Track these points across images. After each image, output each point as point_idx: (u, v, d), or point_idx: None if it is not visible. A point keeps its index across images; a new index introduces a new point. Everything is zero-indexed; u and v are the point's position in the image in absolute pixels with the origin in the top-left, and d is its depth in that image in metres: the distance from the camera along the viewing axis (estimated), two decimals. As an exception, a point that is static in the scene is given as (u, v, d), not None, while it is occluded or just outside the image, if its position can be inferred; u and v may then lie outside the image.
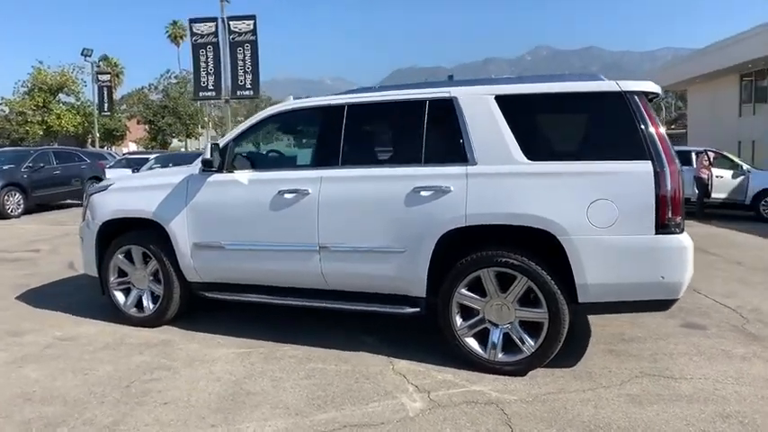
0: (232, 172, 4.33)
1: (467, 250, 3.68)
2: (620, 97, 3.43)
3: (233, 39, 18.22)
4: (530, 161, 3.53)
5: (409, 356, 3.96)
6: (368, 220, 3.87)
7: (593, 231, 3.35)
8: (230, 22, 18.09)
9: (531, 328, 3.62)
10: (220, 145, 4.32)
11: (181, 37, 62.35)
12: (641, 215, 3.30)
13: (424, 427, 3.00)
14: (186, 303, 4.73)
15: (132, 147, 44.87)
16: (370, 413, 3.15)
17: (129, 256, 4.76)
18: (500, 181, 3.56)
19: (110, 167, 17.85)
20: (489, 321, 3.69)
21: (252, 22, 18.11)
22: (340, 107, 4.10)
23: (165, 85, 38.59)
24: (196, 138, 43.79)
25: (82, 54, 30.24)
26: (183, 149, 32.68)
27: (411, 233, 3.75)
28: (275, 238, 4.15)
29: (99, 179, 15.95)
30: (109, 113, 32.05)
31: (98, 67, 34.52)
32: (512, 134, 3.59)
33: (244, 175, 4.29)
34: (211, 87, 18.53)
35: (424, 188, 3.70)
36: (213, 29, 18.22)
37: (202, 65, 18.42)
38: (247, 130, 4.45)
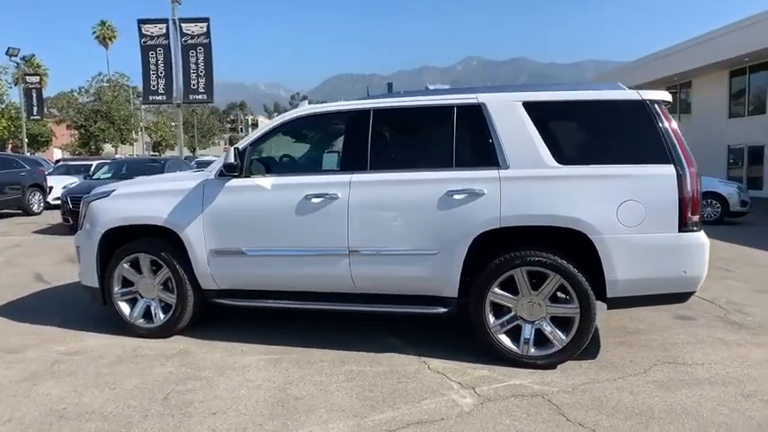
0: (249, 177, 4.28)
1: (498, 251, 3.83)
2: (642, 105, 3.70)
3: (185, 41, 17.64)
4: (559, 165, 3.73)
5: (439, 355, 4.05)
6: (400, 223, 3.95)
7: (623, 230, 3.59)
8: (182, 25, 17.49)
9: (561, 323, 3.81)
10: (239, 149, 4.25)
11: (110, 38, 59.55)
12: (666, 215, 3.57)
13: (483, 420, 3.11)
14: (199, 312, 4.60)
15: (58, 153, 42.16)
16: (426, 411, 3.22)
17: (135, 264, 4.57)
18: (533, 184, 3.74)
19: (49, 174, 16.82)
20: (521, 318, 3.85)
21: (205, 24, 17.60)
22: (366, 111, 4.16)
23: (96, 88, 36.60)
24: (130, 143, 41.84)
25: (7, 54, 28.15)
26: (117, 156, 31.01)
27: (445, 235, 3.85)
28: (301, 243, 4.14)
29: (41, 187, 14.99)
30: (38, 117, 30.00)
31: (19, 67, 32.26)
32: (541, 139, 3.79)
33: (266, 180, 4.24)
34: (162, 91, 17.82)
35: (458, 191, 3.83)
36: (164, 30, 17.55)
37: (152, 67, 17.67)
38: (267, 133, 4.41)
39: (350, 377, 3.72)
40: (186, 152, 53.24)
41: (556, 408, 3.24)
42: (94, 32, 59.46)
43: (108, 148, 39.41)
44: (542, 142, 3.78)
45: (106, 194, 4.66)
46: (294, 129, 4.58)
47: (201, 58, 17.69)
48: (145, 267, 4.54)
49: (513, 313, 3.86)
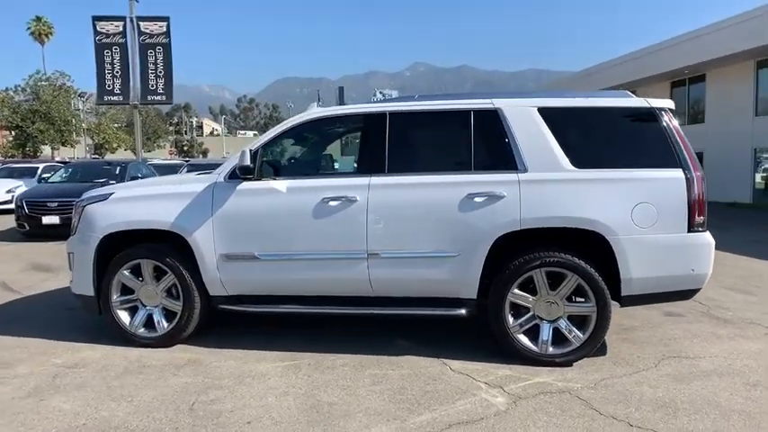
0: (263, 179, 4.19)
1: (517, 252, 3.92)
2: (652, 112, 3.90)
3: (143, 40, 16.94)
4: (576, 168, 3.87)
5: (457, 356, 4.09)
6: (420, 226, 3.97)
7: (637, 231, 3.76)
8: (140, 23, 16.78)
9: (577, 321, 3.94)
10: (252, 151, 4.15)
11: (46, 35, 56.54)
12: (676, 216, 3.77)
13: (522, 417, 3.17)
14: (205, 319, 4.45)
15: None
16: (463, 411, 3.25)
17: (136, 271, 4.38)
18: (551, 187, 3.85)
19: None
20: (539, 317, 3.95)
21: (165, 23, 16.97)
22: (382, 115, 4.16)
23: (33, 87, 34.54)
24: (72, 145, 39.75)
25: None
26: (59, 159, 29.28)
27: (465, 237, 3.90)
28: (317, 247, 4.09)
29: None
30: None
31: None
32: (557, 143, 3.91)
33: (281, 183, 4.16)
34: (118, 91, 17.03)
35: (478, 194, 3.89)
36: (120, 28, 16.78)
37: (107, 66, 16.85)
38: (278, 136, 4.33)
39: (376, 381, 3.70)
40: (130, 155, 51.20)
41: (586, 403, 3.34)
42: (29, 28, 56.32)
43: (47, 150, 37.25)
44: (558, 146, 3.91)
45: (103, 198, 4.44)
46: (306, 131, 4.52)
47: (161, 57, 17.03)
48: (147, 274, 4.35)
49: (531, 313, 3.95)
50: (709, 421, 3.10)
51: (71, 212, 10.19)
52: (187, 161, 17.90)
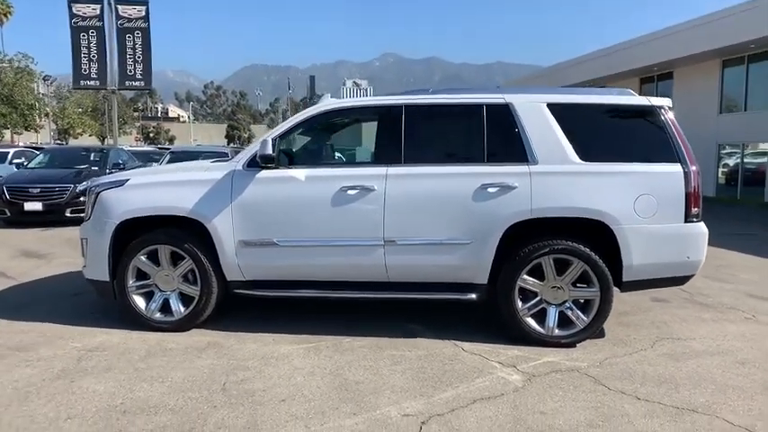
0: (281, 168, 4.30)
1: (526, 240, 4.15)
2: (654, 110, 4.17)
3: (121, 24, 16.50)
4: (583, 161, 4.11)
5: (467, 338, 4.31)
6: (435, 214, 4.15)
7: (639, 221, 4.03)
8: (118, 6, 16.33)
9: (581, 305, 4.20)
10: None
11: (5, 14, 54.09)
12: (675, 207, 4.05)
13: (539, 392, 3.41)
14: (219, 304, 4.55)
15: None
16: (484, 388, 3.47)
17: (152, 256, 4.43)
18: (560, 179, 4.08)
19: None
20: (546, 301, 4.20)
21: (144, 7, 16.56)
22: (398, 107, 4.32)
23: (-6, 68, 33.10)
24: (36, 130, 38.39)
25: None
26: (20, 144, 28.21)
27: (478, 226, 4.11)
28: (335, 234, 4.23)
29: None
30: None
31: None
32: (565, 137, 4.15)
33: (301, 172, 4.29)
34: (95, 75, 16.56)
35: (491, 185, 4.10)
36: (98, 11, 16.30)
37: (83, 50, 16.36)
38: (295, 126, 4.44)
39: (395, 361, 3.89)
40: (95, 141, 49.69)
41: (594, 380, 3.60)
42: (-16, 7, 53.80)
43: (6, 135, 35.83)
44: (566, 140, 4.14)
45: (119, 184, 4.47)
46: (322, 122, 4.63)
47: (139, 42, 16.63)
48: (164, 259, 4.42)
49: (538, 297, 4.20)
50: (708, 395, 3.40)
51: (54, 198, 10.13)
52: (168, 149, 17.60)
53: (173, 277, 4.44)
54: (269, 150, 4.12)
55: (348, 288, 4.38)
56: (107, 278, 4.45)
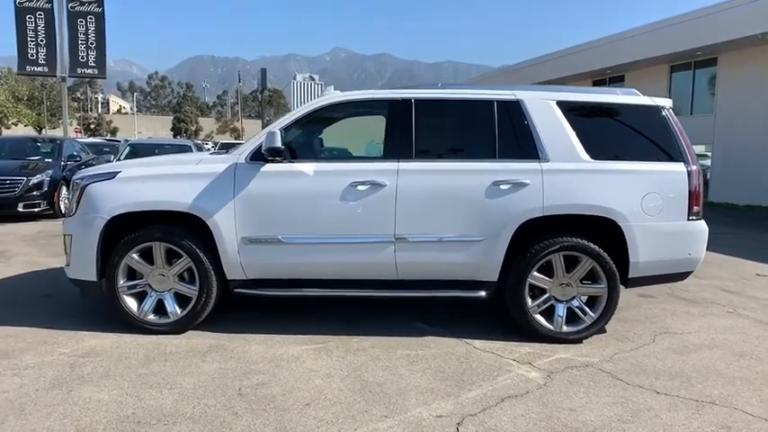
0: (287, 162, 4.13)
1: (537, 237, 4.15)
2: (658, 110, 4.26)
3: (72, 8, 15.47)
4: (592, 159, 4.15)
5: (474, 336, 4.28)
6: (447, 211, 4.09)
7: (645, 219, 4.11)
8: (69, -11, 15.36)
9: (588, 301, 4.26)
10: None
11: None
12: (678, 205, 4.16)
13: (563, 389, 3.41)
14: (219, 304, 4.33)
15: None
16: (508, 386, 3.44)
17: (145, 254, 4.16)
18: (572, 176, 4.11)
19: None
20: (555, 298, 4.22)
21: (98, -9, 15.64)
22: (408, 101, 4.23)
23: None
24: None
25: None
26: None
27: (491, 223, 4.08)
28: (344, 231, 4.10)
29: None
30: None
31: None
32: (575, 135, 4.18)
33: (308, 166, 4.13)
34: (43, 61, 15.44)
35: (504, 182, 4.07)
36: (47, -8, 15.25)
37: (30, 33, 15.21)
38: (300, 119, 4.27)
39: (411, 361, 3.81)
40: (31, 131, 46.80)
41: (611, 375, 3.65)
42: None
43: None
44: (576, 138, 4.18)
45: (110, 176, 4.16)
46: (328, 115, 4.47)
47: (92, 27, 15.62)
48: (159, 257, 4.15)
49: (547, 294, 4.21)
50: (720, 387, 3.50)
51: (4, 192, 9.40)
52: (127, 140, 16.70)
53: (168, 276, 4.18)
54: (278, 143, 3.94)
55: (355, 286, 4.25)
56: (94, 278, 4.15)
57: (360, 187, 4.06)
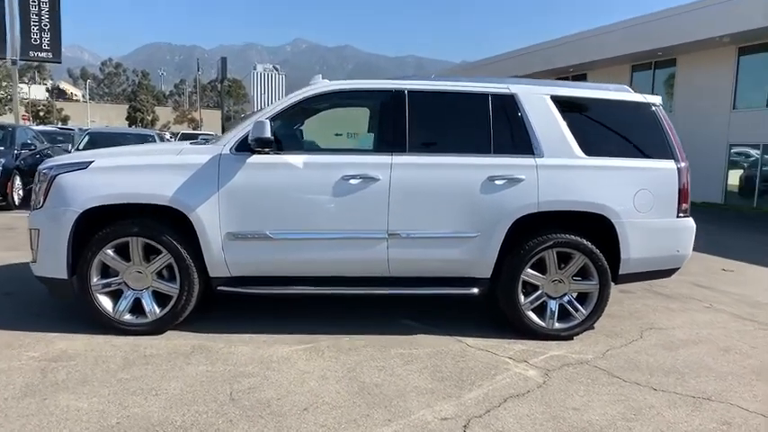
0: (273, 153, 3.93)
1: (531, 234, 4.10)
2: (649, 107, 4.27)
3: (24, -14, 14.59)
4: (586, 156, 4.13)
5: (466, 334, 4.21)
6: (442, 206, 3.99)
7: (637, 215, 4.12)
8: (20, -34, 14.40)
9: (579, 298, 4.24)
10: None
11: None
12: (668, 202, 4.18)
13: (562, 388, 3.36)
14: (200, 302, 4.10)
15: None
16: (507, 385, 3.37)
17: (121, 250, 3.90)
18: (566, 172, 4.07)
19: None
20: (547, 295, 4.19)
21: (50, -30, 14.72)
22: (401, 92, 4.09)
23: None
24: None
25: None
26: None
27: (485, 219, 4.00)
28: (335, 226, 3.94)
29: None
30: None
31: None
32: (569, 130, 4.14)
33: (298, 158, 3.94)
34: (-9, 43, 14.53)
35: (499, 177, 4.00)
36: (-6, -31, 14.26)
37: (-24, 13, 14.28)
38: (287, 108, 4.07)
39: (406, 360, 3.69)
40: (-26, 118, 44.04)
41: (607, 372, 3.63)
42: None
43: None
44: (570, 133, 4.14)
45: (81, 166, 3.87)
46: (317, 105, 4.28)
47: (46, 8, 14.70)
48: (136, 254, 3.89)
49: (540, 291, 4.17)
50: (713, 383, 3.54)
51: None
52: (82, 129, 15.84)
53: (146, 274, 3.93)
54: (267, 133, 3.73)
55: (344, 284, 4.11)
56: (65, 275, 3.86)
57: (352, 181, 3.91)
